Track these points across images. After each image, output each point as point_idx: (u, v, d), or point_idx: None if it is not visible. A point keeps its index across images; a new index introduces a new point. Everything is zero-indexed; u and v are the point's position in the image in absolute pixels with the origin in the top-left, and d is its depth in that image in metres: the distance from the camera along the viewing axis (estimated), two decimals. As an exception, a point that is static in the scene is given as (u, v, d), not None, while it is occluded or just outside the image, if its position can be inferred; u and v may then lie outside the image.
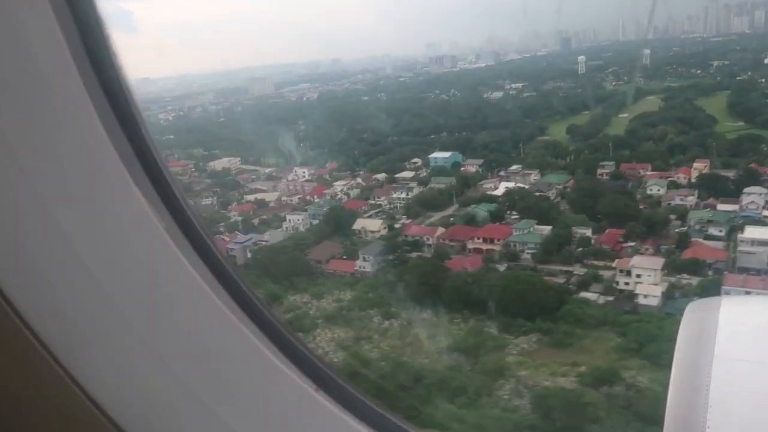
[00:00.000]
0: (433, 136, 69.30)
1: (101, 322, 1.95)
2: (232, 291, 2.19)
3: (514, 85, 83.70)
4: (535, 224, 40.94)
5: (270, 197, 58.45)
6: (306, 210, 51.90)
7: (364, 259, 39.90)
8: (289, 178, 63.12)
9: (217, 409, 2.05)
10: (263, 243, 46.18)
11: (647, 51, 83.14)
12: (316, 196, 55.49)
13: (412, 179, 55.81)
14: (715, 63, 78.57)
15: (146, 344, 1.99)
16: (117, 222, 1.95)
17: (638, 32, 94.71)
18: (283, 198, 57.58)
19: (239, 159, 71.38)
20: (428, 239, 42.93)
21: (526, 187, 45.62)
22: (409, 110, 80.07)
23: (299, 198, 56.88)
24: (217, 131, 79.62)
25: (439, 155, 55.65)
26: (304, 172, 63.48)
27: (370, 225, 45.05)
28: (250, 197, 58.87)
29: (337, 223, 46.88)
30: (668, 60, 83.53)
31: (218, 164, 69.81)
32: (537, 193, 45.17)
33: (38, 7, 1.72)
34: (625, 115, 66.36)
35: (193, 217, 2.21)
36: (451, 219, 44.10)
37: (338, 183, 55.79)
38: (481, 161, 53.90)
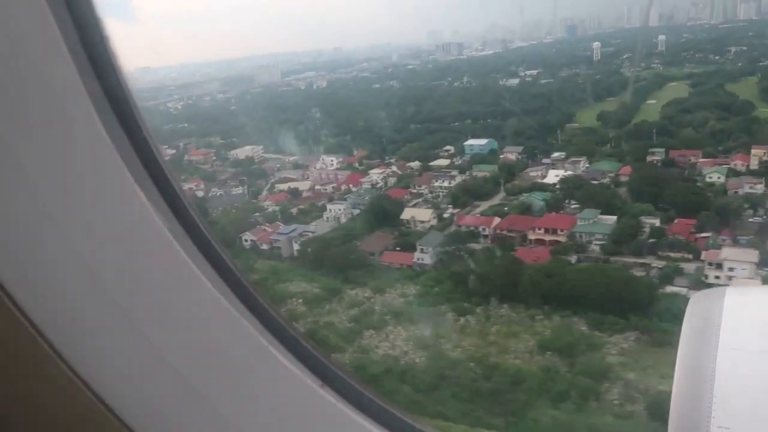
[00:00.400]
0: (457, 124, 66.79)
1: (104, 319, 1.91)
2: (235, 288, 2.14)
3: (528, 72, 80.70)
4: (598, 214, 38.36)
5: (302, 186, 55.61)
6: (345, 199, 49.03)
7: (422, 251, 37.16)
8: (317, 166, 60.36)
9: (220, 405, 2.00)
10: (308, 234, 43.28)
11: (662, 37, 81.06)
12: (351, 185, 52.71)
13: (448, 167, 53.24)
14: (733, 49, 76.05)
15: (149, 341, 1.93)
16: (118, 220, 1.92)
17: (643, 19, 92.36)
18: (317, 187, 54.77)
19: (262, 147, 68.71)
20: (484, 229, 40.33)
21: (580, 174, 42.78)
22: (425, 97, 77.75)
23: (333, 187, 54.09)
24: (230, 119, 77.11)
25: (474, 142, 53.39)
26: (332, 161, 60.81)
27: (420, 215, 42.34)
28: (282, 186, 55.92)
29: (383, 213, 44.20)
30: (682, 46, 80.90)
31: (241, 153, 66.87)
32: (593, 182, 42.43)
33: (34, 4, 1.67)
34: (653, 101, 64.01)
35: (195, 214, 2.16)
36: (505, 209, 41.31)
37: (374, 171, 52.85)
38: (520, 148, 51.18)
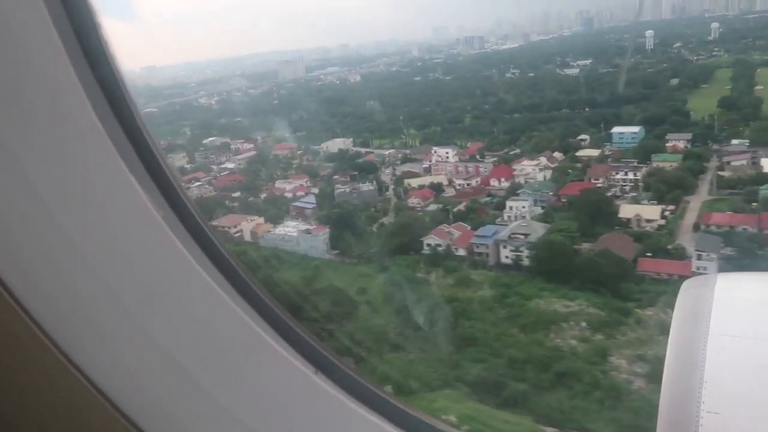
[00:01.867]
0: (554, 112, 58.61)
1: (101, 310, 1.82)
2: (229, 277, 2.05)
3: (580, 62, 73.28)
4: None
5: (429, 181, 46.35)
6: (517, 194, 39.88)
7: (700, 258, 28.17)
8: (432, 160, 51.03)
9: (215, 392, 1.92)
10: (518, 236, 33.89)
11: (715, 25, 74.74)
12: (503, 179, 43.50)
13: (600, 156, 44.94)
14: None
15: (144, 330, 1.86)
16: (114, 212, 1.82)
17: (655, 12, 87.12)
18: (458, 182, 45.39)
19: (351, 140, 59.30)
20: (745, 229, 31.70)
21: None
22: (489, 88, 69.62)
23: (477, 181, 44.85)
24: (284, 113, 67.95)
25: (623, 130, 44.56)
26: (446, 153, 51.42)
27: (646, 212, 33.45)
28: (412, 182, 46.43)
29: (595, 211, 35.15)
30: (736, 34, 74.66)
31: (332, 146, 57.07)
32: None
33: (31, 3, 1.62)
34: (760, 87, 56.90)
35: (190, 205, 2.06)
36: (753, 205, 32.71)
37: (525, 163, 43.82)
38: (688, 136, 43.00)
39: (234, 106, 72.21)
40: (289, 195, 47.87)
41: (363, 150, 58.89)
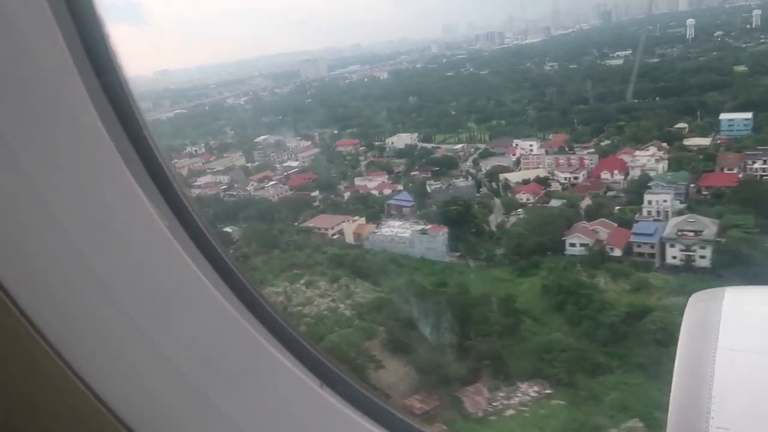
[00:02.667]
0: (620, 102, 53.91)
1: (103, 318, 1.74)
2: (234, 287, 1.96)
3: (621, 53, 69.06)
4: None
5: (522, 176, 41.33)
6: (649, 186, 34.80)
7: None
8: (516, 153, 45.95)
9: (220, 404, 1.83)
10: (686, 233, 28.65)
11: (757, 12, 70.49)
12: (616, 171, 38.46)
13: (711, 145, 40.22)
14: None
15: (148, 340, 1.77)
16: (118, 219, 1.75)
17: (671, 4, 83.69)
18: (562, 175, 40.21)
19: (416, 135, 54.18)
20: None
21: None
22: (538, 80, 64.16)
23: (584, 174, 39.78)
24: (323, 110, 62.92)
25: (734, 117, 39.67)
26: (531, 146, 46.38)
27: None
28: (511, 176, 41.22)
29: (763, 203, 30.07)
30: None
31: (398, 141, 51.82)
32: None
33: (35, 3, 1.55)
34: None
35: (194, 213, 1.99)
36: None
37: (638, 154, 38.83)
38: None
39: (266, 105, 68.26)
40: (375, 192, 42.34)
41: (429, 145, 53.50)
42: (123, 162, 1.69)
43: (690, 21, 71.42)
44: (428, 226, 34.53)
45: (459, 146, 51.91)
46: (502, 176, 41.74)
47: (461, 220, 34.54)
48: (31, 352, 1.64)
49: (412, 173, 46.78)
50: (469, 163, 47.60)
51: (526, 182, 39.56)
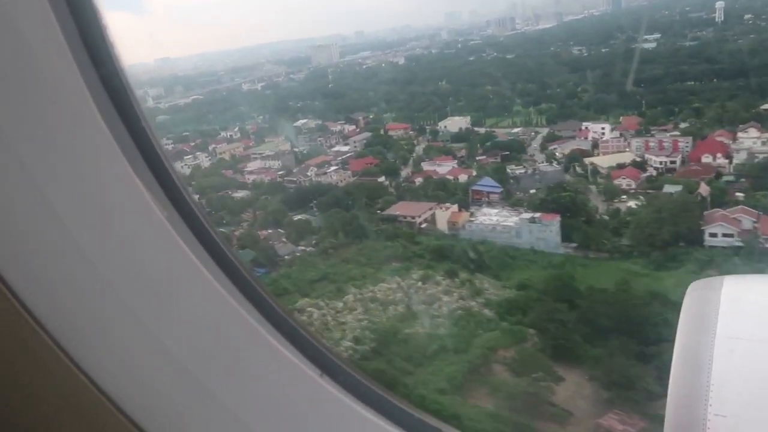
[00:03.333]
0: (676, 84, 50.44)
1: (103, 310, 1.73)
2: (234, 278, 1.92)
3: (650, 37, 65.70)
4: None
5: (607, 162, 37.21)
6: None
7: None
8: (588, 136, 41.90)
9: (220, 394, 1.81)
10: None
11: (787, -6, 67.38)
12: (719, 155, 34.46)
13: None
14: None
15: (148, 331, 1.76)
16: (118, 213, 1.72)
17: None
18: (656, 159, 36.16)
19: (468, 118, 49.96)
20: None
21: None
22: (575, 63, 60.32)
23: (681, 158, 35.84)
24: (350, 94, 60.16)
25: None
26: (602, 129, 42.32)
27: None
28: (595, 160, 37.10)
29: None
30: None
31: (451, 125, 47.67)
32: None
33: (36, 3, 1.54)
34: None
35: (194, 205, 1.94)
36: None
37: (743, 136, 34.85)
38: None
39: (286, 91, 64.11)
40: (450, 178, 37.81)
41: (482, 129, 49.17)
42: (121, 153, 1.62)
43: (720, 3, 67.82)
44: (537, 215, 30.11)
45: (517, 129, 47.59)
46: (587, 160, 37.40)
47: (569, 208, 30.23)
48: (32, 345, 1.59)
49: (477, 158, 42.36)
50: (535, 146, 43.30)
51: (621, 167, 35.26)
